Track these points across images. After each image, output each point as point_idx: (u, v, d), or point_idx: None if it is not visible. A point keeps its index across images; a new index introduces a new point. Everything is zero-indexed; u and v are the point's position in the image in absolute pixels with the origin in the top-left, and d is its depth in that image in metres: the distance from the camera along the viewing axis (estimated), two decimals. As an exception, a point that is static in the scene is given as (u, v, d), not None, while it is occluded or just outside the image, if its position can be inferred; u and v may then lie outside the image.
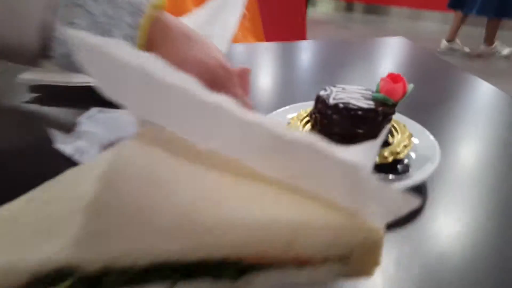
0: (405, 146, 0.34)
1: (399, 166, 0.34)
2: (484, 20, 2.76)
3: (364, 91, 0.36)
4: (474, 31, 3.00)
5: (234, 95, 0.36)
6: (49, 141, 0.37)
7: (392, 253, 0.28)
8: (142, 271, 0.18)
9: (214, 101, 0.17)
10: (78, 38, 0.18)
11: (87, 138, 0.36)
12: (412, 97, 0.36)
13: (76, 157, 0.35)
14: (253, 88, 0.57)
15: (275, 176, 0.21)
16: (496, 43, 2.78)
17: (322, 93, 0.36)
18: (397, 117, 0.39)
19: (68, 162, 0.35)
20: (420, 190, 0.33)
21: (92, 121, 0.38)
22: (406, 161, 0.34)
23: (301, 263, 0.20)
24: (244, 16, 1.00)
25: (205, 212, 0.19)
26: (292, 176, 0.20)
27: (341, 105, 0.34)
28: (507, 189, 0.35)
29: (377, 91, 0.35)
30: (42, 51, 0.33)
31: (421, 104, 0.50)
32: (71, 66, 0.34)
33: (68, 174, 0.22)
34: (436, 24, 3.83)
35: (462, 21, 2.78)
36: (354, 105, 0.33)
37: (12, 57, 0.36)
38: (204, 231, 0.19)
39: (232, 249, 0.19)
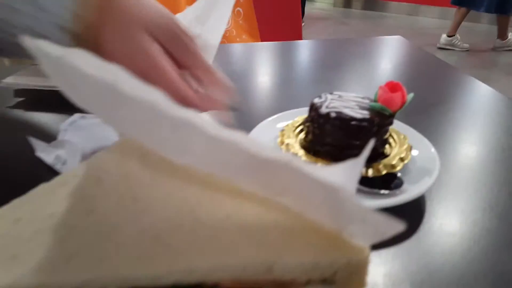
0: (402, 159, 0.32)
1: (392, 182, 0.32)
2: (484, 16, 2.78)
3: (361, 100, 0.34)
4: (473, 26, 3.00)
5: (198, 57, 0.34)
6: (31, 149, 0.36)
7: (382, 270, 0.27)
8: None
9: (184, 116, 0.16)
10: (41, 49, 0.17)
11: (68, 148, 0.34)
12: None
13: (57, 166, 0.34)
14: (248, 90, 0.56)
15: (254, 192, 0.20)
16: (510, 37, 2.86)
17: (316, 100, 0.35)
18: (397, 125, 0.37)
19: (50, 171, 0.34)
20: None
21: (74, 128, 0.36)
22: (399, 174, 0.32)
23: (281, 285, 0.19)
24: (239, 15, 0.99)
25: (179, 233, 0.19)
26: (272, 194, 0.20)
27: (333, 114, 0.32)
28: (505, 196, 0.34)
29: (375, 100, 0.34)
30: None
31: (418, 106, 0.49)
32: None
33: (40, 190, 0.22)
34: (435, 19, 3.81)
35: (463, 16, 2.81)
36: (346, 114, 0.32)
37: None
38: (177, 255, 0.18)
39: (208, 274, 0.18)
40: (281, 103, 0.53)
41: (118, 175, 0.22)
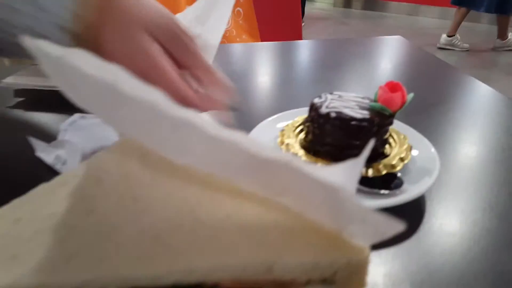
0: (402, 159, 0.32)
1: (392, 182, 0.32)
2: (484, 16, 2.79)
3: (361, 100, 0.34)
4: (473, 26, 3.00)
5: (198, 57, 0.34)
6: (31, 149, 0.36)
7: (382, 270, 0.27)
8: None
9: (183, 116, 0.16)
10: (41, 49, 0.17)
11: (68, 148, 0.34)
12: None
13: (58, 166, 0.34)
14: (248, 89, 0.56)
15: (254, 192, 0.20)
16: (510, 37, 2.87)
17: (316, 100, 0.35)
18: (397, 125, 0.37)
19: (50, 171, 0.34)
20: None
21: (74, 128, 0.36)
22: (399, 174, 0.32)
23: (281, 285, 0.19)
24: (239, 15, 0.99)
25: (179, 234, 0.19)
26: (272, 194, 0.20)
27: (333, 114, 0.32)
28: (505, 196, 0.34)
29: (375, 100, 0.34)
30: None
31: (418, 105, 0.49)
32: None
33: (40, 190, 0.22)
34: (435, 19, 3.81)
35: (463, 16, 2.82)
36: (346, 114, 0.32)
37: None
38: (177, 255, 0.18)
39: (207, 274, 0.18)
40: (281, 103, 0.53)
41: (118, 175, 0.22)
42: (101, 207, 0.20)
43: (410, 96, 0.33)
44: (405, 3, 4.07)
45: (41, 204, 0.21)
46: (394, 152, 0.33)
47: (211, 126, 0.17)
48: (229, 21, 0.92)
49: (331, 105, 0.33)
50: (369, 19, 3.96)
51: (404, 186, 0.31)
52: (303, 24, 2.43)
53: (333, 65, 0.68)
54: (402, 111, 0.33)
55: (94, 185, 0.21)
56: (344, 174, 0.17)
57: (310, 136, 0.35)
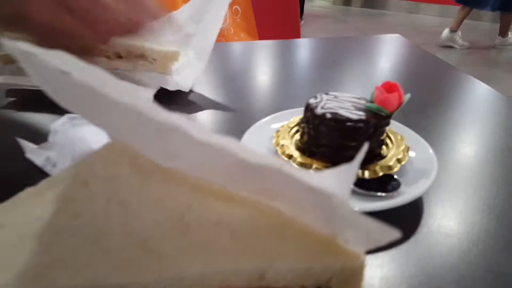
0: (399, 161, 0.32)
1: (389, 184, 0.32)
2: (485, 14, 2.80)
3: (357, 100, 0.34)
4: (475, 24, 3.00)
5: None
6: (21, 150, 0.35)
7: (379, 273, 0.26)
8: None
9: (168, 121, 0.16)
10: (18, 49, 0.16)
11: (58, 149, 0.34)
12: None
13: (47, 168, 0.34)
14: (246, 88, 0.55)
15: (246, 196, 0.20)
16: (510, 35, 2.90)
17: (311, 101, 0.34)
18: (394, 125, 0.37)
19: (42, 173, 0.33)
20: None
21: (65, 129, 0.36)
22: (396, 176, 0.32)
23: None
24: (237, 13, 0.98)
25: (169, 239, 0.18)
26: (264, 198, 0.19)
27: (328, 115, 0.31)
28: (504, 196, 0.34)
29: (371, 101, 0.33)
30: None
31: (415, 105, 0.49)
32: None
33: (26, 194, 0.21)
34: (435, 17, 3.81)
35: (467, 14, 2.84)
36: (342, 115, 0.31)
37: None
38: (166, 261, 0.17)
39: (198, 281, 0.18)
40: (279, 102, 0.52)
41: (107, 178, 0.21)
42: (88, 211, 0.19)
43: (407, 97, 0.33)
44: (404, 1, 4.06)
45: (27, 209, 0.20)
46: (391, 153, 0.33)
47: (199, 130, 0.16)
48: (226, 19, 0.92)
49: (327, 105, 0.33)
50: (368, 17, 3.96)
51: (402, 188, 0.30)
52: (302, 22, 2.42)
53: (331, 64, 0.68)
54: (399, 111, 0.33)
55: (81, 188, 0.21)
56: (338, 179, 0.17)
57: (305, 137, 0.34)
